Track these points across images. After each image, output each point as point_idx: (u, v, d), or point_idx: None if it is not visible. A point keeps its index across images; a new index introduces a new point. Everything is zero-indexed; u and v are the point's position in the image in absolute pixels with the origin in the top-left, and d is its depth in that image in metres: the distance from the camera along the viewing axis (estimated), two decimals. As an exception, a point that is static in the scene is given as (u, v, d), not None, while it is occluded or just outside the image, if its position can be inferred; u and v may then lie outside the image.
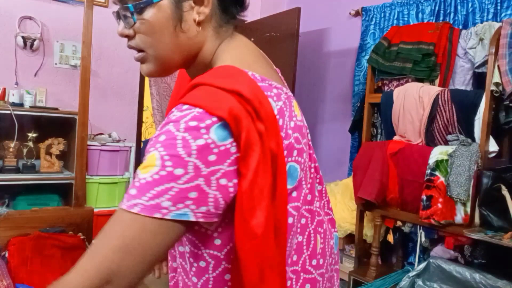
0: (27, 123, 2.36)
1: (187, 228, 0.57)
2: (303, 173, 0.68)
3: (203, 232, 0.63)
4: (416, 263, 2.16)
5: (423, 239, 2.14)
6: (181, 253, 0.70)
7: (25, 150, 2.33)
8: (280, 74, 0.76)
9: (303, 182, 0.69)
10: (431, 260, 1.97)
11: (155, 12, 0.63)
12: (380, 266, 2.39)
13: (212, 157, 0.55)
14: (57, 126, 2.51)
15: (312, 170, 0.75)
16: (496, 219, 1.82)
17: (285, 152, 0.62)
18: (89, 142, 2.44)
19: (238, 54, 0.68)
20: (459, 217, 1.91)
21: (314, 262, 0.72)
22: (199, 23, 0.66)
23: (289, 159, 0.63)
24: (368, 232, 2.49)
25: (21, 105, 2.38)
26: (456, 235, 1.95)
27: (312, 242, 0.72)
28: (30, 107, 2.41)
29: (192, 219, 0.55)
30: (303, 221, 0.71)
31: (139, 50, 0.68)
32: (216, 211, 0.57)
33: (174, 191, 0.54)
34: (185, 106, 0.57)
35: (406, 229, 2.25)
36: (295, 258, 0.69)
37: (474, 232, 1.81)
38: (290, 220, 0.66)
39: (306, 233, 0.71)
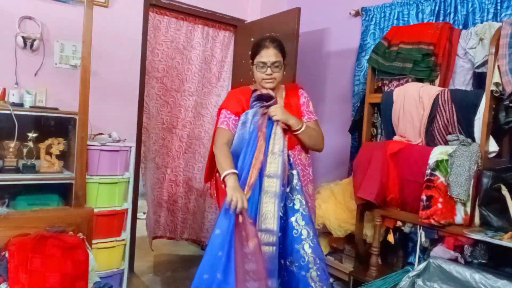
0: (27, 123, 2.36)
1: None
2: None
3: None
4: (416, 263, 2.16)
5: (423, 239, 2.14)
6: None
7: (25, 150, 2.32)
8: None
9: None
10: (431, 260, 1.97)
11: (282, 66, 1.93)
12: (380, 266, 2.39)
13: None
14: (57, 126, 2.51)
15: None
16: (496, 219, 1.82)
17: None
18: (89, 142, 2.43)
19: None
20: (459, 217, 1.91)
21: None
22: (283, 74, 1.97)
23: None
24: (368, 232, 2.49)
25: (21, 105, 2.38)
26: (456, 235, 1.96)
27: None
28: (30, 107, 2.41)
29: None
30: None
31: (274, 79, 1.90)
32: None
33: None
34: (301, 89, 2.07)
35: (406, 229, 2.25)
36: None
37: (474, 232, 1.81)
38: None
39: None
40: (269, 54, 1.87)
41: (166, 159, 3.60)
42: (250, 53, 1.97)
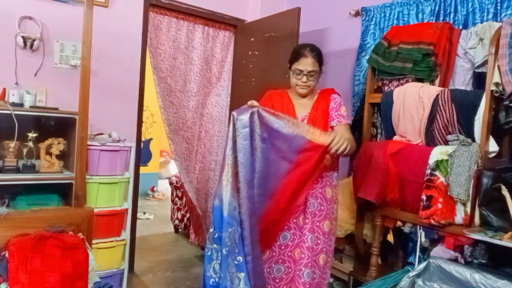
0: (27, 123, 2.36)
1: None
2: None
3: None
4: (416, 263, 2.16)
5: (423, 239, 2.14)
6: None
7: (25, 150, 2.32)
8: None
9: None
10: (431, 260, 1.97)
11: (318, 75, 2.04)
12: (380, 266, 2.39)
13: None
14: (57, 126, 2.51)
15: None
16: (496, 219, 1.82)
17: None
18: (89, 142, 2.43)
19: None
20: (459, 217, 1.91)
21: None
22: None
23: None
24: (368, 232, 2.49)
25: (21, 105, 2.38)
26: (456, 235, 1.95)
27: None
28: (30, 107, 2.41)
29: None
30: None
31: (308, 87, 2.03)
32: None
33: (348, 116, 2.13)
34: (337, 94, 2.11)
35: (406, 229, 2.25)
36: None
37: (474, 232, 1.81)
38: None
39: None
40: (307, 63, 1.97)
41: (184, 163, 3.57)
42: (289, 58, 2.05)
